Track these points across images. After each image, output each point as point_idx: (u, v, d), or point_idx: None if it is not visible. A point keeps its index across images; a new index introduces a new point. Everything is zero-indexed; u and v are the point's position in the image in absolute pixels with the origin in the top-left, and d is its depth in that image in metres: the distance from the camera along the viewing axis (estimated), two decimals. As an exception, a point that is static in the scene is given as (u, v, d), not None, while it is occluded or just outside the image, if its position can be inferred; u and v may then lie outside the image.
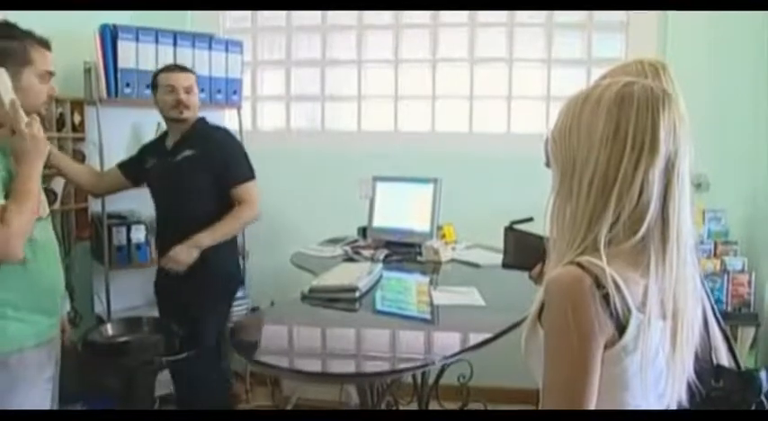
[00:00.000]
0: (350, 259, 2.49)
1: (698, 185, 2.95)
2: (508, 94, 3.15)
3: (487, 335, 1.52)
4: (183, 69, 2.33)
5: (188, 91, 2.26)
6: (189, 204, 2.25)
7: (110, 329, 2.00)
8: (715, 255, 2.72)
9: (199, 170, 2.23)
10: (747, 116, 2.79)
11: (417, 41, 3.17)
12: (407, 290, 1.99)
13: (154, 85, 2.30)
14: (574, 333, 0.84)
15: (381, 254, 2.49)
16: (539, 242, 1.42)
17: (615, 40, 3.07)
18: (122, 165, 2.41)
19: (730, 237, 2.78)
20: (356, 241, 2.77)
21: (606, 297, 0.84)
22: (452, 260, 2.45)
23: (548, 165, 1.05)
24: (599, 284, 0.84)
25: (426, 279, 2.14)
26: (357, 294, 1.78)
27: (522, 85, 3.14)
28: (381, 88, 3.23)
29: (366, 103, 3.26)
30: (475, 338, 1.54)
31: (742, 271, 2.65)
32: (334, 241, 2.75)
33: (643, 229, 0.89)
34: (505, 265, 1.50)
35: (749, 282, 2.63)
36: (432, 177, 2.64)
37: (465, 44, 3.14)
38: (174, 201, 2.29)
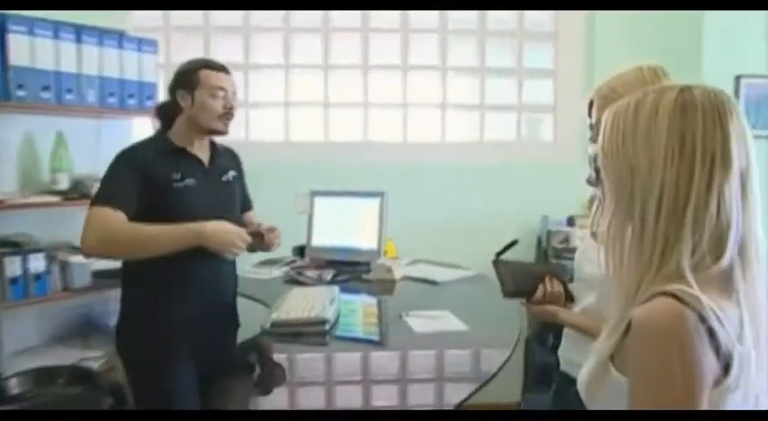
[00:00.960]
0: (293, 281, 2.27)
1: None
2: (442, 102, 3.07)
3: (493, 367, 1.39)
4: (227, 70, 1.79)
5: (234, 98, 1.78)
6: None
7: (15, 385, 1.62)
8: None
9: (240, 193, 1.90)
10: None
11: (348, 46, 3.01)
12: (376, 316, 1.82)
13: (187, 83, 1.71)
14: (680, 379, 0.73)
15: (328, 274, 2.29)
16: (533, 267, 1.37)
17: (544, 49, 3.10)
18: (131, 202, 1.62)
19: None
20: (294, 261, 2.54)
21: (711, 332, 0.73)
22: (404, 278, 2.30)
23: (593, 183, 0.94)
24: (701, 318, 0.74)
25: (388, 301, 1.98)
26: (327, 327, 1.57)
27: (455, 94, 3.08)
28: (310, 95, 3.03)
29: (294, 111, 3.03)
30: (482, 372, 1.39)
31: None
32: (270, 262, 2.50)
33: (728, 252, 0.80)
34: (507, 295, 1.40)
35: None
36: (378, 191, 2.48)
37: (397, 50, 3.03)
38: None
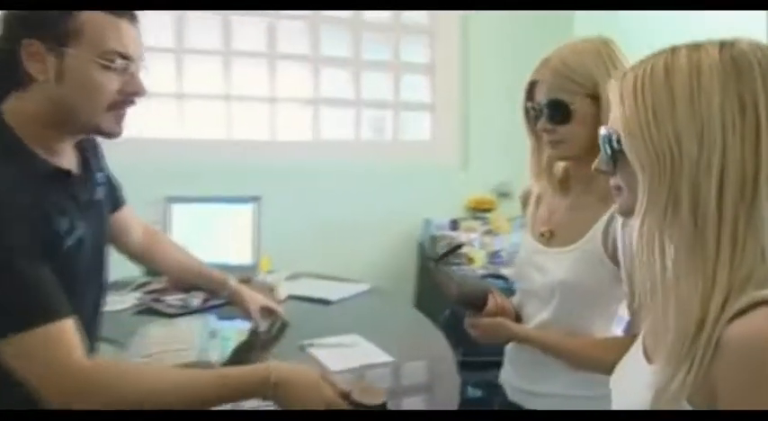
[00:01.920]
0: (150, 311, 1.84)
1: (505, 194, 2.99)
2: (315, 97, 2.78)
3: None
4: (135, 17, 0.96)
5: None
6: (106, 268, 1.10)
7: None
8: (530, 262, 2.77)
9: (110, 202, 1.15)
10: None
11: (206, 31, 2.59)
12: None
13: (54, 30, 0.88)
14: None
15: (196, 299, 1.88)
16: (475, 279, 1.17)
17: (420, 44, 2.95)
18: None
19: (539, 244, 2.86)
20: (148, 283, 2.08)
21: None
22: (290, 297, 1.97)
23: (608, 171, 0.73)
24: None
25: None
26: (213, 373, 1.20)
27: (327, 88, 2.81)
28: (160, 85, 2.55)
29: (140, 104, 2.54)
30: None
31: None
32: (118, 286, 2.01)
33: None
34: (458, 303, 1.16)
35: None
36: (251, 196, 2.13)
37: (263, 37, 2.67)
38: (101, 280, 1.08)
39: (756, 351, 0.58)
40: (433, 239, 2.77)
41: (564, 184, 1.17)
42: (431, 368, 1.35)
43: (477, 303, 1.12)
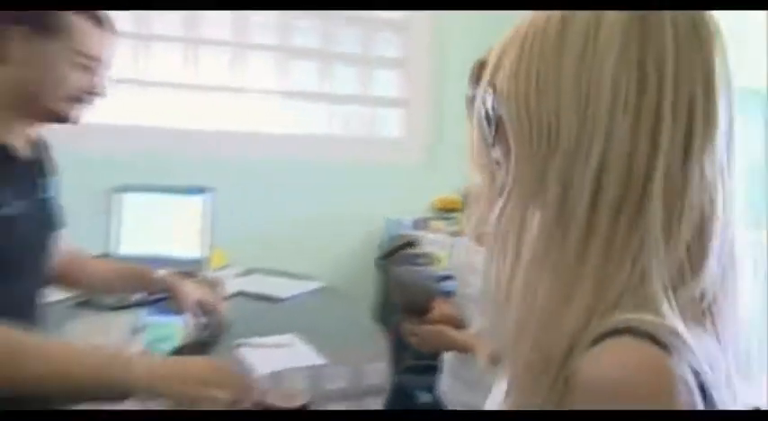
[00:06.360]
0: (85, 304, 1.75)
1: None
2: (281, 89, 2.71)
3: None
4: (113, 27, 1.10)
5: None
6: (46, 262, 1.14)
7: None
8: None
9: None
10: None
11: (168, 15, 2.51)
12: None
13: (37, 21, 0.98)
14: None
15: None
16: (425, 281, 1.10)
17: (393, 37, 2.88)
18: None
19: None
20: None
21: (702, 387, 0.46)
22: (240, 293, 1.89)
23: (491, 142, 0.58)
24: (693, 371, 0.46)
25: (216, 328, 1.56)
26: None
27: (296, 81, 2.73)
28: (114, 70, 2.46)
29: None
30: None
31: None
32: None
33: (712, 257, 0.51)
34: (402, 308, 1.09)
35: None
36: (201, 186, 2.05)
37: (233, 26, 2.60)
38: (39, 273, 1.12)
39: (603, 396, 0.45)
40: (392, 239, 2.70)
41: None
42: (360, 373, 1.28)
43: (418, 310, 1.06)
